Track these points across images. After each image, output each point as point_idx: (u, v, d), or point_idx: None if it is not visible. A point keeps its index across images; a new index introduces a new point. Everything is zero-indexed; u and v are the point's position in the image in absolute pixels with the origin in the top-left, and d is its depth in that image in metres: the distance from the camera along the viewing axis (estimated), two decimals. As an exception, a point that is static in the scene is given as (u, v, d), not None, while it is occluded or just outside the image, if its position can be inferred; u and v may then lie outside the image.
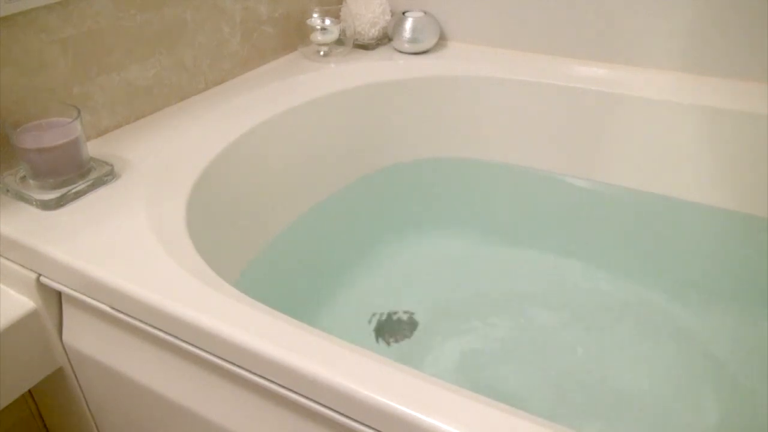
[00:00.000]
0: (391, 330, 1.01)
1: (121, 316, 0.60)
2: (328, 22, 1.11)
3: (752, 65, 0.97)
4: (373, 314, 1.03)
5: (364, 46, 1.17)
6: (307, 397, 0.50)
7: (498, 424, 0.44)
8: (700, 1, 0.96)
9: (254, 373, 0.52)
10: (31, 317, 0.65)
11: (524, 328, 1.01)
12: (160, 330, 0.57)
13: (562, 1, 1.06)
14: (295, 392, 0.51)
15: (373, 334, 1.00)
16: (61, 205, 0.68)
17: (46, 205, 0.68)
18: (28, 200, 0.68)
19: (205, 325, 0.53)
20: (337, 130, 1.04)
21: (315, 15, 1.11)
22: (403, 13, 1.15)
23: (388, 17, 1.17)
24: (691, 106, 0.96)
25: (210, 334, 0.53)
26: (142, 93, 0.88)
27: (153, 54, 0.88)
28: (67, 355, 0.70)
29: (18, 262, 0.66)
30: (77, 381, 0.72)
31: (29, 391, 0.79)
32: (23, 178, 0.70)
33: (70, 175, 0.70)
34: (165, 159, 0.79)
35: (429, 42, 1.14)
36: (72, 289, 0.62)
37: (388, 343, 0.98)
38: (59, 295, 0.67)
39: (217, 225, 0.81)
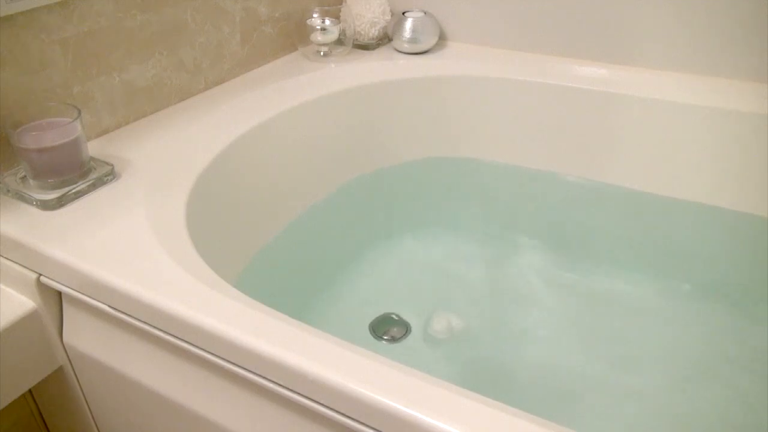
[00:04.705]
0: (389, 330, 1.01)
1: (121, 316, 0.60)
2: (328, 22, 1.11)
3: (752, 65, 0.97)
4: (372, 313, 1.03)
5: (364, 46, 1.17)
6: (306, 397, 0.50)
7: (498, 424, 0.44)
8: (700, 1, 0.96)
9: (254, 373, 0.52)
10: (31, 317, 0.65)
11: (523, 328, 1.01)
12: (160, 330, 0.57)
13: (562, 1, 1.06)
14: (295, 392, 0.51)
15: (371, 334, 1.00)
16: (62, 205, 0.68)
17: (46, 205, 0.68)
18: (28, 200, 0.68)
19: (204, 325, 0.53)
20: (336, 130, 1.04)
21: (315, 15, 1.11)
22: (403, 13, 1.15)
23: (388, 17, 1.17)
24: (691, 106, 0.96)
25: (210, 333, 0.53)
26: (142, 93, 0.88)
27: (153, 54, 0.88)
28: (67, 354, 0.70)
29: (18, 262, 0.66)
30: (77, 381, 0.72)
31: (29, 390, 0.79)
32: (23, 178, 0.70)
33: (71, 175, 0.70)
34: (165, 159, 0.79)
35: (429, 42, 1.14)
36: (72, 289, 0.63)
37: (385, 343, 0.99)
38: (59, 295, 0.67)
39: (216, 225, 0.81)
